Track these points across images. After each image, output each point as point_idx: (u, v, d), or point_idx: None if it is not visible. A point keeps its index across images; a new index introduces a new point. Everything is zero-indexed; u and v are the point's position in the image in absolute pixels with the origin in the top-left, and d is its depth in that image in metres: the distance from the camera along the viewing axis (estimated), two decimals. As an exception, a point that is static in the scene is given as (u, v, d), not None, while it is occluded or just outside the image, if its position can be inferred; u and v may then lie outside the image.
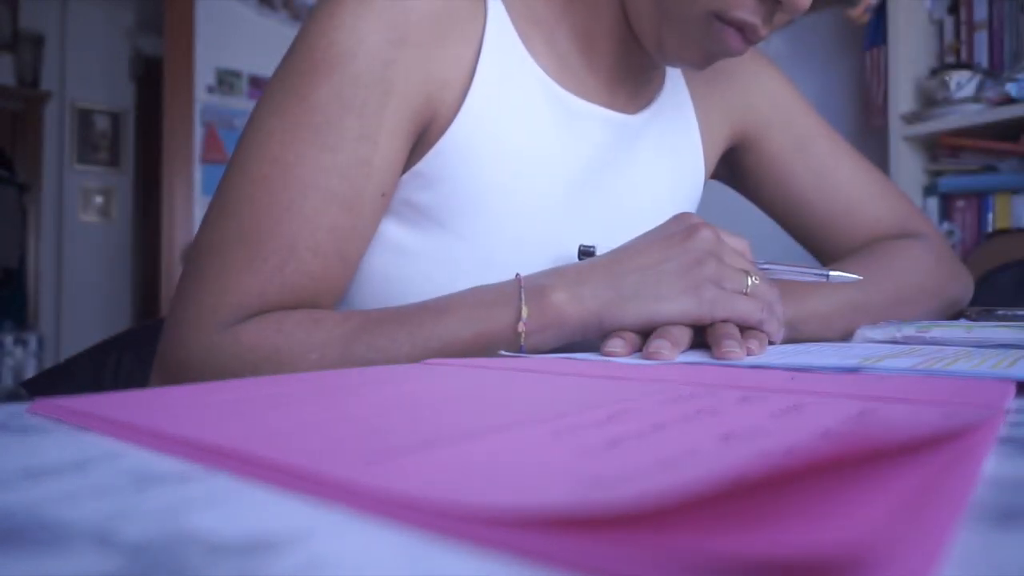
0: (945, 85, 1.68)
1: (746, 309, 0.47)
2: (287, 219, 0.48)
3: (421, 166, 0.55)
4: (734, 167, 0.78)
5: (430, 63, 0.53)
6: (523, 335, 0.45)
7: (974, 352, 0.43)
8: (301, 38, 0.52)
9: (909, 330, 0.54)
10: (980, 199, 1.70)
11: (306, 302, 0.50)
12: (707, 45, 0.55)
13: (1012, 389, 0.27)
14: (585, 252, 0.54)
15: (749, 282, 0.48)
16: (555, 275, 0.48)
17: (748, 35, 0.54)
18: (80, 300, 3.85)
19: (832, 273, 0.53)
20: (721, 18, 0.53)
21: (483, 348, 0.45)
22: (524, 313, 0.45)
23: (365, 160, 0.50)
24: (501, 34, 0.57)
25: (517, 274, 0.48)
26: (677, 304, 0.46)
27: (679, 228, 0.48)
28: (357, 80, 0.50)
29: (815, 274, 0.54)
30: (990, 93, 1.63)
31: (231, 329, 0.47)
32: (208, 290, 0.48)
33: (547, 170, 0.58)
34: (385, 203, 0.54)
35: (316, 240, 0.49)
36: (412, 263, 0.56)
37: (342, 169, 0.49)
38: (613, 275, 0.47)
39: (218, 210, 0.50)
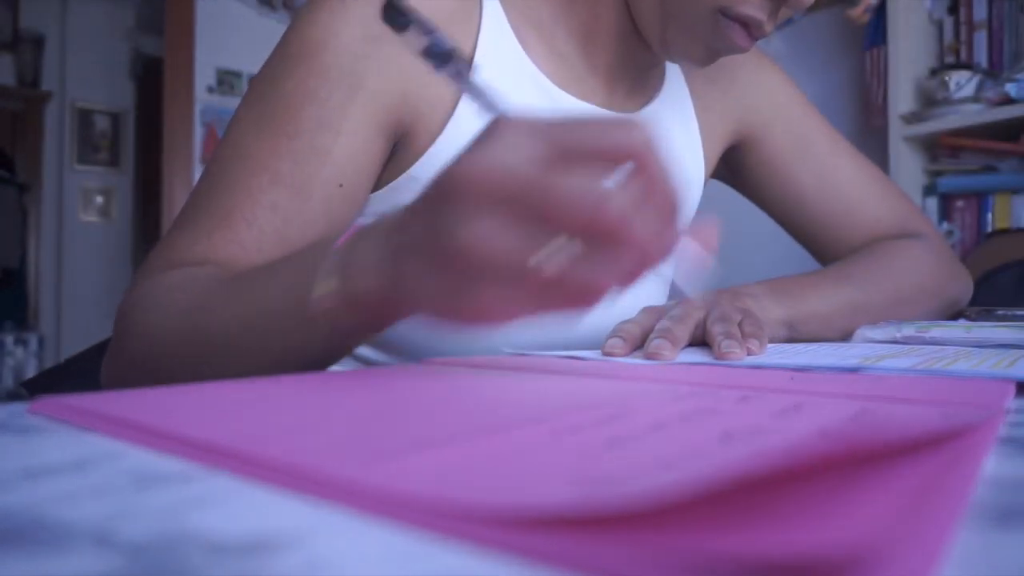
0: (945, 85, 1.68)
1: None
2: (229, 193, 0.49)
3: (415, 170, 0.55)
4: (734, 166, 0.78)
5: (411, 60, 0.53)
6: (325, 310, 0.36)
7: (974, 352, 0.43)
8: (282, 36, 0.54)
9: (909, 330, 0.54)
10: (980, 199, 1.70)
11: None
12: (712, 41, 0.55)
13: (1012, 389, 0.27)
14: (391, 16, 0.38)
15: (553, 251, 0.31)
16: (362, 235, 0.35)
17: (753, 31, 0.54)
18: (80, 300, 3.84)
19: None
20: (726, 14, 0.53)
21: (302, 314, 0.37)
22: (324, 288, 0.35)
23: (323, 149, 0.51)
24: (497, 34, 0.57)
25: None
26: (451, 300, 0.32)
27: (444, 175, 0.31)
28: (326, 72, 0.51)
29: None
30: (990, 93, 1.63)
31: (145, 280, 0.48)
32: (151, 254, 0.51)
33: None
34: (346, 194, 0.52)
35: (254, 213, 0.49)
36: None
37: (296, 155, 0.50)
38: (391, 250, 0.33)
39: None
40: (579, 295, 0.31)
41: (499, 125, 0.30)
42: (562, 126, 0.29)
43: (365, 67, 0.51)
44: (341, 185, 0.52)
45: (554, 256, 0.29)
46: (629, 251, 0.29)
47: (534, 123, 0.29)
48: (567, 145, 0.29)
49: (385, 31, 0.51)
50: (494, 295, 0.30)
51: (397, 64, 0.52)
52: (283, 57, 0.52)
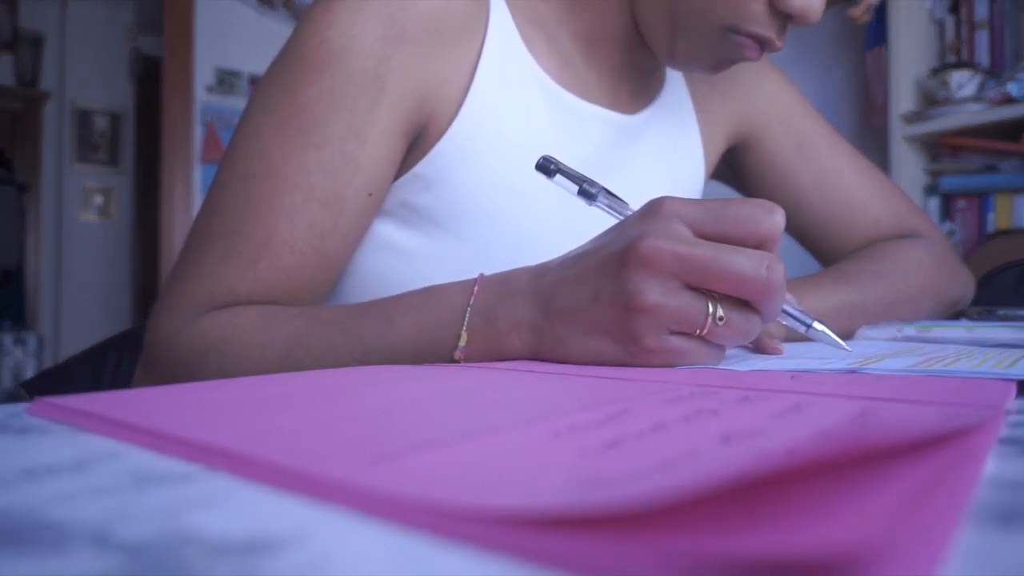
0: (946, 85, 1.68)
1: (695, 360, 0.38)
2: (265, 214, 0.48)
3: (420, 168, 0.55)
4: (735, 167, 0.78)
5: (427, 62, 0.53)
6: (460, 360, 0.42)
7: (975, 352, 0.43)
8: (295, 35, 0.52)
9: (910, 330, 0.54)
10: (981, 199, 1.70)
11: (281, 298, 0.49)
12: (720, 54, 0.56)
13: (1013, 389, 0.27)
14: (544, 166, 0.44)
15: (710, 315, 0.36)
16: (506, 293, 0.41)
17: (765, 47, 0.55)
18: (80, 300, 3.84)
19: (816, 325, 0.41)
20: (735, 31, 0.53)
21: (421, 362, 0.43)
22: (463, 340, 0.41)
23: (352, 158, 0.50)
24: (503, 34, 0.57)
25: (480, 275, 0.43)
26: (603, 354, 0.38)
27: (619, 246, 0.37)
28: (349, 78, 0.50)
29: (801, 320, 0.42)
30: (991, 93, 1.63)
31: (195, 317, 0.48)
32: (184, 279, 0.50)
33: None
34: (374, 203, 0.53)
35: (293, 236, 0.49)
36: (411, 264, 0.56)
37: (326, 167, 0.49)
38: (548, 310, 0.39)
39: (206, 204, 0.51)
40: (718, 351, 0.38)
41: (661, 205, 0.37)
42: (714, 210, 0.37)
43: (387, 71, 0.51)
44: (370, 194, 0.52)
45: (716, 314, 0.36)
46: (768, 310, 0.37)
47: (690, 204, 0.37)
48: (719, 228, 0.36)
49: (404, 31, 0.51)
50: (657, 350, 0.37)
51: (415, 66, 0.52)
52: (302, 61, 0.50)
